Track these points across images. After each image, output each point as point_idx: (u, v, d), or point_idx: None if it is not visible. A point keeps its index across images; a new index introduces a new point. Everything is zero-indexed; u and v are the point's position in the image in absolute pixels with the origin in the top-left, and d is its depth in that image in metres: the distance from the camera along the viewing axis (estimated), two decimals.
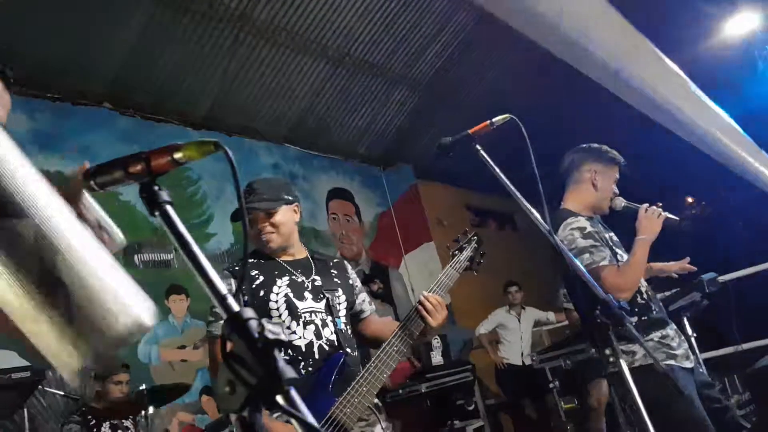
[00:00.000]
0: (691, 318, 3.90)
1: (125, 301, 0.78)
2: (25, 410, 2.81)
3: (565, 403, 5.37)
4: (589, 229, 2.44)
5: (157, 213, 0.81)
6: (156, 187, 0.83)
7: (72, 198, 0.93)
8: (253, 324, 0.70)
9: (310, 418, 0.66)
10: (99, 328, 0.75)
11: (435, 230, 7.37)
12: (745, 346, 4.64)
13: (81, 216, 0.88)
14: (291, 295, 2.01)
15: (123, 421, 3.50)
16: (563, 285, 3.79)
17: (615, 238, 2.64)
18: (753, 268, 5.11)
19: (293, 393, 0.67)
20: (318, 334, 1.99)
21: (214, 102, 5.64)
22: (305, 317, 1.99)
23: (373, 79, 6.39)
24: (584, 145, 2.73)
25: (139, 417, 3.52)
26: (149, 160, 0.83)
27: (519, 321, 6.05)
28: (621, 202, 2.61)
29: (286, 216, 2.18)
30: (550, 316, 6.24)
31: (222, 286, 0.76)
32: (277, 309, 2.20)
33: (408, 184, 7.59)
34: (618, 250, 2.55)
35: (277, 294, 2.03)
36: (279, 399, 0.66)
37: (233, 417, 0.68)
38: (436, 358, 5.40)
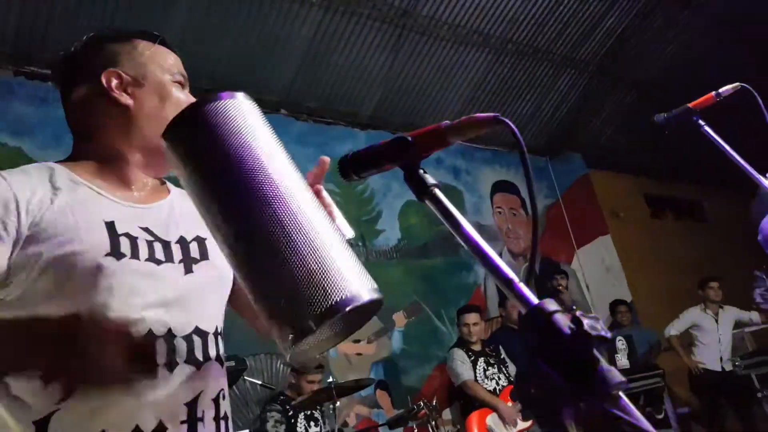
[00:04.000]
0: None
1: (346, 273, 0.72)
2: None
3: None
4: None
5: (425, 199, 0.76)
6: (422, 171, 0.78)
7: (315, 190, 0.93)
8: (560, 318, 0.61)
9: (647, 426, 0.55)
10: (298, 298, 0.69)
11: (611, 222, 6.83)
12: None
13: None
14: None
15: (314, 411, 3.69)
16: (762, 282, 3.23)
17: None
18: None
19: (624, 398, 0.57)
20: None
21: (379, 101, 5.76)
22: None
23: (538, 65, 6.10)
24: None
25: (326, 408, 3.68)
26: (415, 144, 0.78)
27: (717, 321, 5.38)
28: None
29: None
30: (754, 316, 5.47)
31: (509, 271, 0.67)
32: None
33: (578, 173, 7.12)
34: None
35: None
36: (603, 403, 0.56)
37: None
38: (621, 361, 4.99)
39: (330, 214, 0.95)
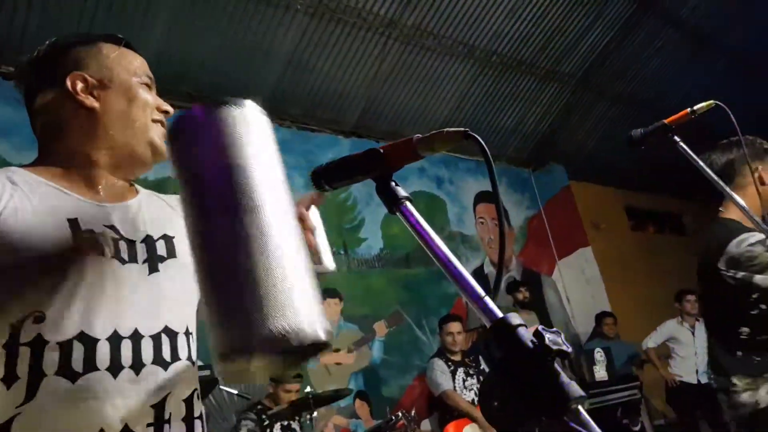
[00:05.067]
0: None
1: (298, 305, 0.67)
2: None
3: None
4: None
5: (396, 212, 0.76)
6: (393, 183, 0.78)
7: (299, 212, 0.90)
8: (523, 332, 0.61)
9: None
10: (246, 317, 0.65)
11: (591, 234, 6.90)
12: None
13: (303, 228, 0.83)
14: None
15: (291, 422, 3.65)
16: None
17: None
18: None
19: (583, 412, 0.57)
20: None
21: (363, 110, 5.77)
22: None
23: (522, 77, 6.17)
24: (736, 139, 2.21)
25: (304, 418, 3.64)
26: (387, 157, 0.78)
27: (693, 334, 5.44)
28: None
29: None
30: None
31: (477, 286, 0.68)
32: None
33: (560, 185, 7.20)
34: None
35: None
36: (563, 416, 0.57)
37: None
38: (600, 372, 5.02)
39: (309, 240, 0.93)
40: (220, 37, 4.68)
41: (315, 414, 3.33)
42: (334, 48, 5.21)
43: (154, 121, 1.08)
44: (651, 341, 5.55)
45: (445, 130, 0.73)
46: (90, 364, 0.88)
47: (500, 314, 0.64)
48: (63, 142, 1.04)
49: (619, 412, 4.94)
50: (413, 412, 3.76)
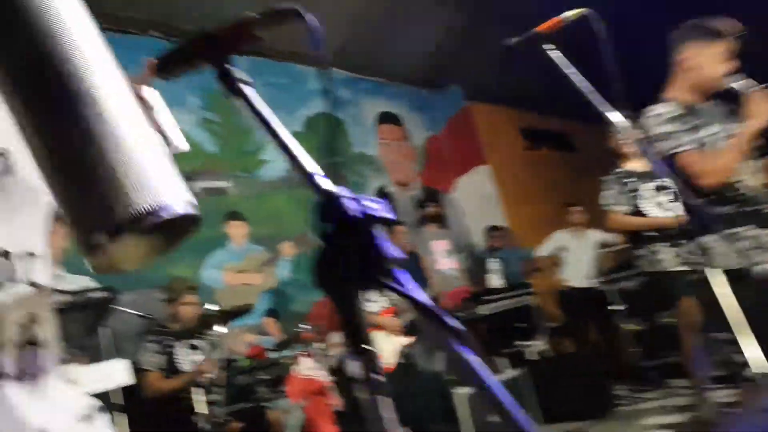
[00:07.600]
0: None
1: (156, 181, 0.65)
2: (108, 329, 2.91)
3: (629, 326, 5.16)
4: (669, 115, 2.28)
5: (236, 94, 0.75)
6: (231, 67, 0.76)
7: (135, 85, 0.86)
8: (348, 201, 0.64)
9: (421, 296, 0.61)
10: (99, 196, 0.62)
11: (488, 153, 7.17)
12: None
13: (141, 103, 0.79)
14: None
15: (194, 340, 3.64)
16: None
17: (717, 131, 2.30)
18: None
19: (398, 272, 0.62)
20: None
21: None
22: None
23: None
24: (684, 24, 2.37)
25: (210, 336, 3.63)
26: (219, 37, 0.76)
27: (580, 243, 5.86)
28: (728, 82, 2.23)
29: None
30: (614, 237, 6.01)
31: (309, 162, 0.70)
32: None
33: (458, 106, 7.35)
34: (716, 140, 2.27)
35: None
36: (382, 278, 0.61)
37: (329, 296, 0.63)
38: (496, 280, 5.33)
39: (152, 117, 0.91)
40: None
41: (223, 329, 3.30)
42: None
43: None
44: (543, 250, 5.92)
45: (275, 6, 0.72)
46: None
47: (328, 187, 0.67)
48: None
49: (514, 316, 5.25)
50: (322, 324, 3.86)
